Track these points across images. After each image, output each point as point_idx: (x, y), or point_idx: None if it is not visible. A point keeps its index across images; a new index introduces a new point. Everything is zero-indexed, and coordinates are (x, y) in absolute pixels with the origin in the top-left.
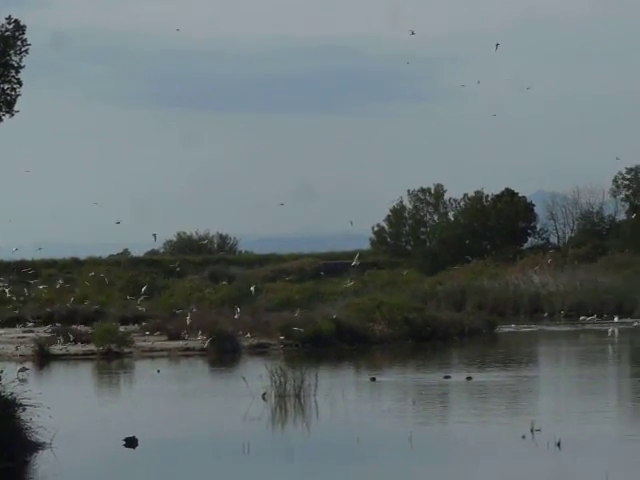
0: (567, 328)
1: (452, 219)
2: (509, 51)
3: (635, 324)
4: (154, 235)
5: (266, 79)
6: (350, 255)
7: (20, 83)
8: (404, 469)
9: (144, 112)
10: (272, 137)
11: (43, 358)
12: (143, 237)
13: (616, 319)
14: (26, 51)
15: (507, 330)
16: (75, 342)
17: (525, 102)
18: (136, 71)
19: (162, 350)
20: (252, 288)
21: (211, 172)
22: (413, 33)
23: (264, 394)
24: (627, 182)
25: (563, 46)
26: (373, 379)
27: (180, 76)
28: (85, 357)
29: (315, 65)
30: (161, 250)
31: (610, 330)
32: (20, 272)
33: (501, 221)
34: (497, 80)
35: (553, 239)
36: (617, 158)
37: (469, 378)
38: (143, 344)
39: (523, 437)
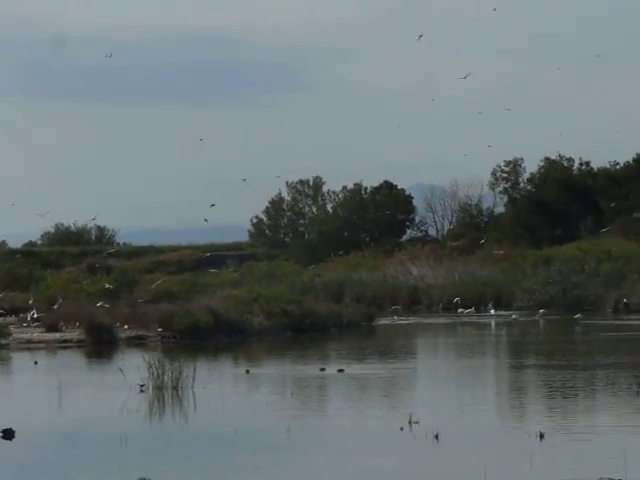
0: (445, 320)
1: (331, 211)
2: (395, 43)
3: (513, 316)
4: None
5: (138, 69)
6: (229, 247)
7: None
8: (281, 461)
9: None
10: (152, 128)
11: None
12: (21, 228)
13: (492, 312)
14: None
15: (385, 322)
16: None
17: (406, 95)
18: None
19: (40, 342)
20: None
21: (84, 162)
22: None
23: (142, 386)
24: (505, 175)
25: (445, 38)
26: (247, 371)
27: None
28: None
29: (196, 55)
30: (39, 242)
31: (494, 323)
32: None
33: (380, 213)
34: (378, 72)
35: (432, 231)
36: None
37: (340, 370)
38: (21, 336)
39: (401, 429)
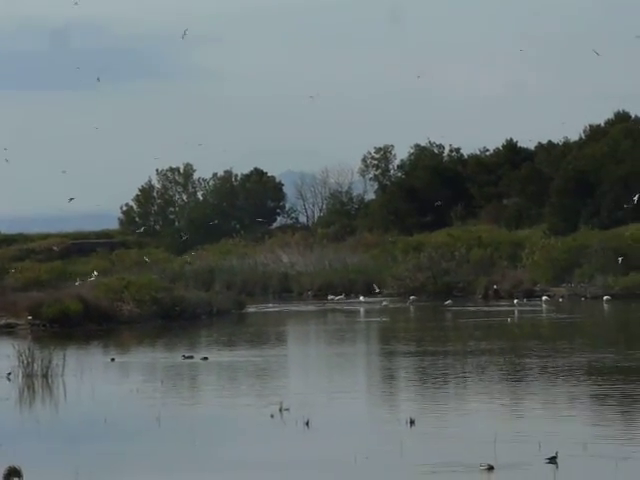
0: (316, 308)
1: (201, 199)
2: (264, 34)
3: (384, 303)
4: None
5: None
6: (98, 235)
7: None
8: (151, 448)
9: None
10: (20, 115)
11: None
12: None
13: (362, 298)
14: None
15: (256, 310)
16: None
17: (273, 82)
18: None
19: None
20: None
21: None
22: None
23: (9, 374)
24: (376, 162)
25: (319, 31)
26: (113, 359)
27: None
28: None
29: (57, 43)
30: None
31: (363, 310)
32: None
33: (250, 200)
34: (248, 61)
35: (302, 219)
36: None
37: (204, 358)
38: None
39: (272, 416)
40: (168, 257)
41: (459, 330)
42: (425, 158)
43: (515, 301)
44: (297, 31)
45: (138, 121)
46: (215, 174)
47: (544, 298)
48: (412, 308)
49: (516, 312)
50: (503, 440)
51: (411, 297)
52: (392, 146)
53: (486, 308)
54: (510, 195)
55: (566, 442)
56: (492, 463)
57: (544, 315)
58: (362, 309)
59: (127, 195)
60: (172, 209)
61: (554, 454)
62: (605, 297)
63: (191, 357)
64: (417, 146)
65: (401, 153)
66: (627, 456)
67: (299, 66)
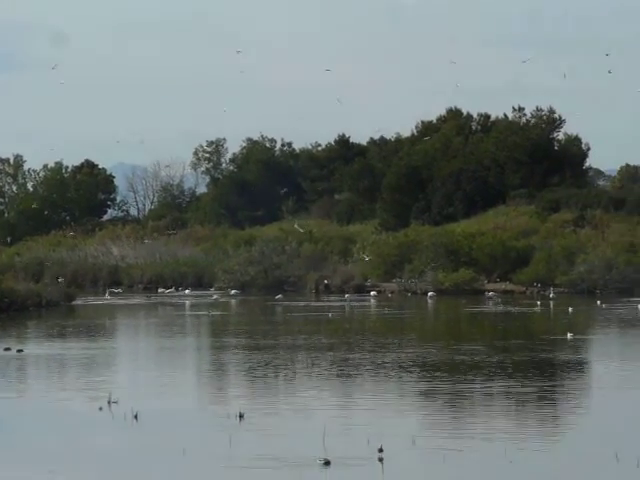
0: (146, 300)
1: (31, 190)
2: (100, 25)
3: (214, 297)
4: None
5: None
6: None
7: None
8: None
9: None
10: None
11: None
12: None
13: (187, 292)
14: None
15: (86, 302)
16: None
17: (106, 73)
18: None
19: None
20: None
21: None
22: None
23: None
24: (207, 155)
25: (150, 22)
26: None
27: None
28: None
29: None
30: None
31: (188, 304)
32: None
33: (81, 192)
34: (81, 51)
35: (133, 211)
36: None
37: (20, 350)
38: None
39: (100, 409)
40: None
41: (289, 324)
42: (257, 152)
43: (346, 296)
44: (128, 21)
45: None
46: (45, 165)
47: (373, 293)
48: (242, 302)
49: (346, 307)
50: (332, 434)
51: (232, 291)
52: (224, 139)
53: (316, 303)
54: (342, 190)
55: (395, 436)
56: (327, 458)
57: (372, 310)
58: (192, 302)
59: None
60: (1, 200)
61: (380, 447)
62: (429, 293)
63: (9, 349)
64: (249, 140)
65: (233, 147)
66: (454, 448)
67: (133, 58)
